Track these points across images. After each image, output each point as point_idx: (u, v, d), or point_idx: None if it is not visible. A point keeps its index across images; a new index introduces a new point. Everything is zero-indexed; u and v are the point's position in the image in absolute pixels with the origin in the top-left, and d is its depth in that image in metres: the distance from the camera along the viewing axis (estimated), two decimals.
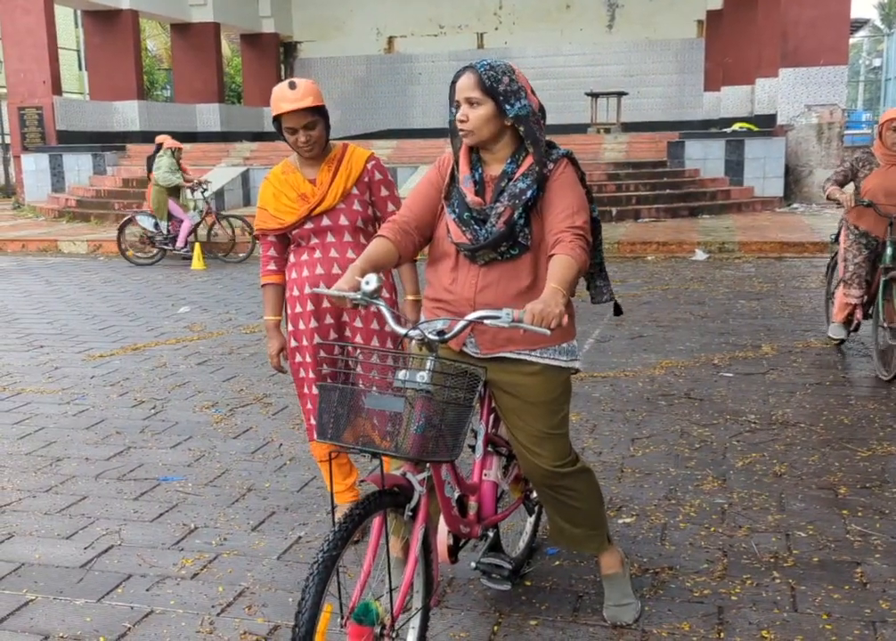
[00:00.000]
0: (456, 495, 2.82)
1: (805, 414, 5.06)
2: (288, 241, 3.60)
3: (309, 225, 3.47)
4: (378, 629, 2.36)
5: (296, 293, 3.55)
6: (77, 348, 7.18)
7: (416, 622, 2.62)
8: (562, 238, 2.62)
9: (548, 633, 2.95)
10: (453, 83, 2.73)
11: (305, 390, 3.61)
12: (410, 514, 2.52)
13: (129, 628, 3.03)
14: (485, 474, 3.00)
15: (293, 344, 3.60)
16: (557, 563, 3.43)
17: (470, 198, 2.74)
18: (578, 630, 2.96)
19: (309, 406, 3.60)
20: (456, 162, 2.82)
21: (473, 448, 3.00)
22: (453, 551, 2.94)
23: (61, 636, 2.99)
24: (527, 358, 2.80)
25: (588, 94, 20.02)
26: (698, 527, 3.69)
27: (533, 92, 2.76)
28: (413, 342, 2.69)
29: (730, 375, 5.89)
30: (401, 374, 2.46)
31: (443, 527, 2.85)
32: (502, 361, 2.81)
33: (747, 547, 3.50)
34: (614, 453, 4.54)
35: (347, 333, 3.55)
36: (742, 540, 3.56)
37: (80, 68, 35.86)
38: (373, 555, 2.38)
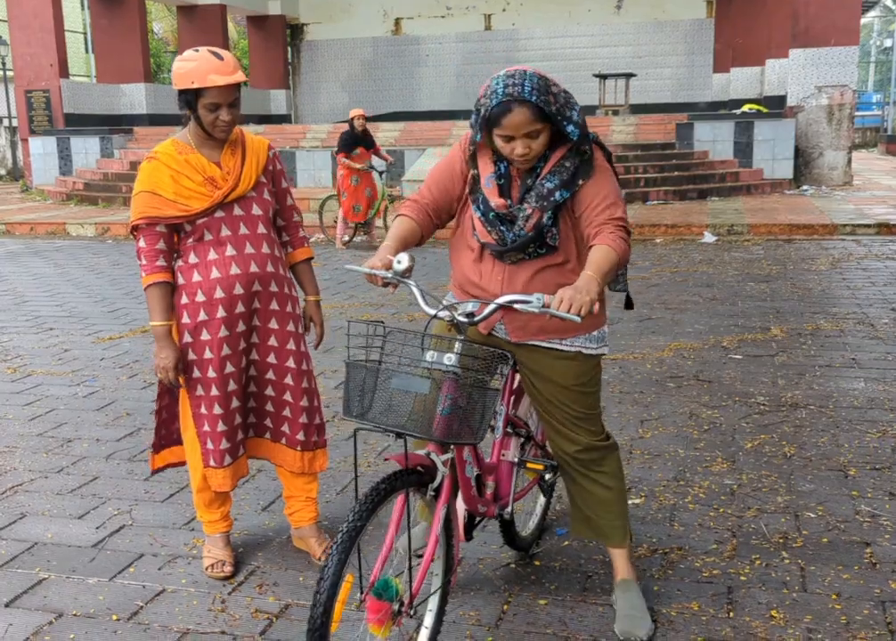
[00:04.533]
0: (475, 474, 2.83)
1: (815, 396, 5.06)
2: (175, 235, 3.12)
3: (220, 214, 3.05)
4: (396, 606, 2.37)
5: (200, 298, 3.07)
6: (87, 330, 7.20)
7: (434, 601, 2.63)
8: (603, 229, 2.57)
9: (557, 612, 2.96)
10: (498, 114, 2.49)
11: (203, 410, 3.14)
12: (432, 494, 2.53)
13: (141, 607, 3.06)
14: (503, 455, 3.02)
15: (191, 357, 3.11)
16: (566, 543, 3.44)
17: (494, 201, 2.65)
18: (587, 610, 2.97)
19: (206, 428, 3.15)
20: (474, 160, 2.70)
21: (492, 428, 3.00)
22: (468, 529, 2.96)
23: (75, 614, 3.02)
24: (557, 346, 2.78)
25: (596, 76, 19.92)
26: (707, 508, 3.69)
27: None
28: (436, 323, 2.65)
29: (739, 357, 5.88)
30: (428, 355, 2.45)
31: (460, 506, 2.86)
32: (532, 347, 2.79)
33: (756, 527, 3.51)
34: (622, 435, 4.54)
35: (255, 339, 3.18)
36: (751, 521, 3.56)
37: (87, 51, 35.83)
38: (395, 532, 2.39)
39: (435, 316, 2.54)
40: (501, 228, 2.67)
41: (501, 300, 2.49)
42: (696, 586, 3.10)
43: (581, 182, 2.63)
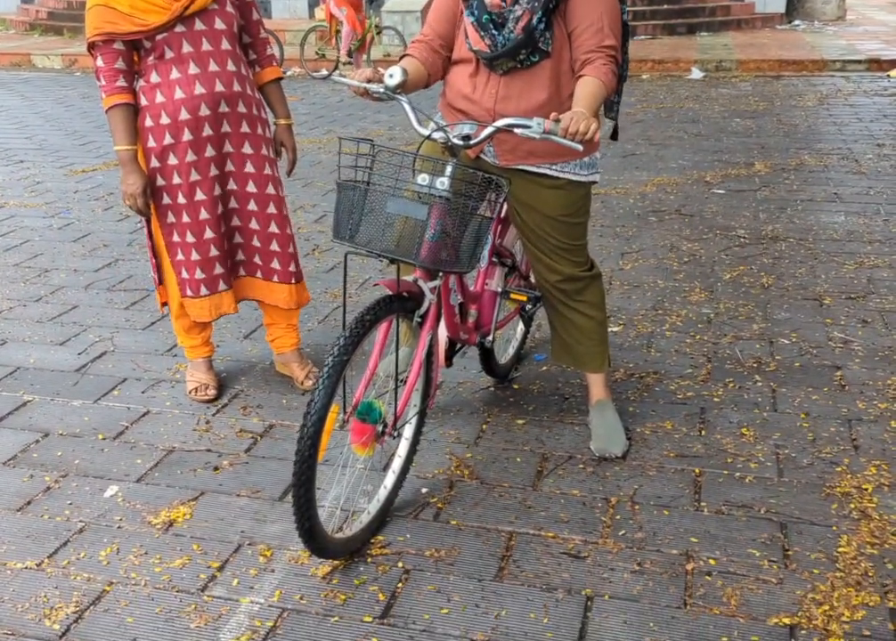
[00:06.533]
0: (458, 302, 2.83)
1: (795, 229, 5.05)
2: (136, 53, 2.95)
3: (180, 29, 2.87)
4: (380, 427, 2.39)
5: (165, 120, 2.94)
6: (59, 163, 7.03)
7: (413, 421, 2.68)
8: (592, 58, 2.49)
9: (534, 431, 3.04)
10: None
11: (175, 238, 3.09)
12: (418, 320, 2.51)
13: (127, 427, 3.11)
14: (487, 284, 3.01)
15: (159, 182, 3.01)
16: (544, 368, 3.50)
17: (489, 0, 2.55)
18: (563, 429, 3.05)
19: (180, 257, 3.11)
20: None
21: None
22: (449, 356, 2.99)
23: (61, 434, 3.07)
24: (547, 172, 2.71)
25: None
26: (684, 335, 3.75)
27: None
28: (427, 145, 2.52)
29: (722, 192, 5.84)
30: (420, 178, 2.36)
31: (442, 332, 2.87)
32: (521, 172, 2.71)
33: (731, 353, 3.57)
34: (603, 267, 4.51)
35: (230, 167, 3.07)
36: (726, 347, 3.62)
37: None
38: (378, 356, 2.38)
39: (428, 137, 2.43)
40: (493, 32, 2.56)
41: (500, 123, 2.38)
42: (671, 407, 3.18)
43: None
